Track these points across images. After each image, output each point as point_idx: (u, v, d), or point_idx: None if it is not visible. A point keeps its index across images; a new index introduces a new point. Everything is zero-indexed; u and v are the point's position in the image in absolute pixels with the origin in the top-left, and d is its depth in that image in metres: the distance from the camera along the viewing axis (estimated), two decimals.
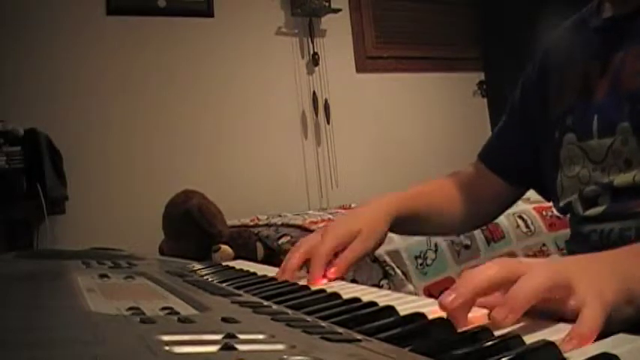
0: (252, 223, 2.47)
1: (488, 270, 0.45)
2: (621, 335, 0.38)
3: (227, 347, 0.32)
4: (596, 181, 0.75)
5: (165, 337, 0.33)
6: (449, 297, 0.43)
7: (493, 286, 0.45)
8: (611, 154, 0.73)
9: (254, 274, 0.80)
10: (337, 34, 3.54)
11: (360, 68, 3.61)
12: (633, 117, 0.70)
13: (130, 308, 0.44)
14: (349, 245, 0.79)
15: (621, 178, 0.72)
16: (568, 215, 0.84)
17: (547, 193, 0.92)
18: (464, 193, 0.99)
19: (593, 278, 0.46)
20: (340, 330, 0.41)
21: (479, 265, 0.47)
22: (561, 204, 0.83)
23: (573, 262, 0.50)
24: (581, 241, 0.78)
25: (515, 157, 0.95)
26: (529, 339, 0.38)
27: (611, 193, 0.73)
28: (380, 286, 1.76)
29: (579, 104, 0.79)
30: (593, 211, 0.76)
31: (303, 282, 0.71)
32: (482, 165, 1.00)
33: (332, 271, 0.74)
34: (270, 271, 0.82)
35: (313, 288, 0.65)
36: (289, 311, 0.49)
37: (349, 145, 3.49)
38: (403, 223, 0.90)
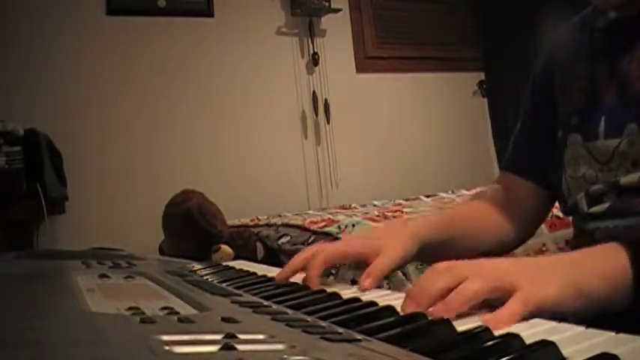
0: (252, 223, 2.47)
1: (439, 281, 0.50)
2: (621, 335, 0.38)
3: (227, 347, 0.32)
4: (603, 180, 0.75)
5: (165, 337, 0.33)
6: (409, 307, 0.50)
7: (444, 293, 0.50)
8: (617, 155, 0.73)
9: (254, 274, 0.80)
10: (337, 34, 3.54)
11: (360, 68, 3.61)
12: None
13: (130, 308, 0.44)
14: (376, 255, 0.72)
15: (627, 178, 0.72)
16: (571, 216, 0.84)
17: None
18: (504, 210, 0.92)
19: (535, 277, 0.51)
20: (340, 330, 0.41)
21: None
22: (568, 205, 0.83)
23: (518, 265, 0.54)
24: (586, 238, 0.78)
25: (539, 158, 0.90)
26: (529, 339, 0.38)
27: (617, 192, 0.74)
28: (380, 286, 1.76)
29: (586, 105, 0.79)
30: (597, 208, 0.76)
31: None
32: (508, 175, 0.95)
33: (368, 282, 0.67)
34: (270, 271, 0.82)
35: (313, 288, 0.65)
36: (289, 311, 0.49)
37: (349, 145, 3.49)
38: (437, 249, 0.82)
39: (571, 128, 0.80)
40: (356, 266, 0.71)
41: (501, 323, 0.45)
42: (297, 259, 0.72)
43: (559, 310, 0.50)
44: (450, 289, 0.50)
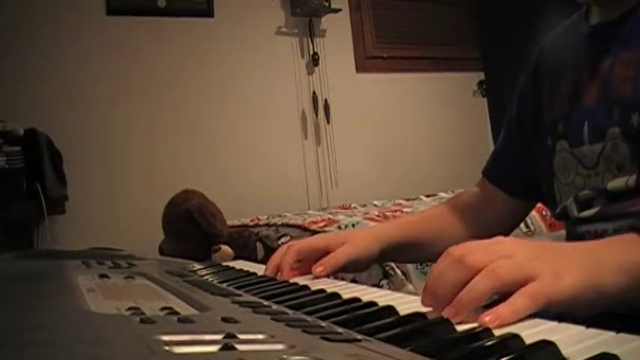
0: (252, 223, 2.47)
1: (450, 276, 0.48)
2: (621, 335, 0.38)
3: (227, 347, 0.32)
4: (591, 186, 0.76)
5: (166, 337, 0.32)
6: (426, 304, 0.49)
7: (457, 290, 0.47)
8: (602, 160, 0.74)
9: (254, 274, 0.80)
10: (337, 34, 3.54)
11: (360, 68, 3.61)
12: (623, 122, 0.70)
13: (130, 308, 0.44)
14: (336, 249, 0.83)
15: (614, 183, 0.72)
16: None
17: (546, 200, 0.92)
18: (466, 217, 0.97)
19: (555, 265, 0.48)
20: (340, 330, 0.41)
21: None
22: (558, 210, 0.83)
23: (538, 251, 0.51)
24: (576, 241, 0.78)
25: (517, 170, 0.93)
26: (529, 339, 0.38)
27: (606, 197, 0.74)
28: (380, 286, 1.76)
29: (570, 111, 0.79)
30: (587, 213, 0.77)
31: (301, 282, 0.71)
32: (486, 182, 0.98)
33: (319, 270, 0.77)
34: None
35: (313, 288, 0.65)
36: (289, 311, 0.49)
37: (349, 145, 3.49)
38: (397, 251, 0.92)
39: (558, 135, 0.81)
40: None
41: (500, 320, 0.43)
42: (276, 256, 0.81)
43: (572, 303, 0.47)
44: (464, 283, 0.47)
